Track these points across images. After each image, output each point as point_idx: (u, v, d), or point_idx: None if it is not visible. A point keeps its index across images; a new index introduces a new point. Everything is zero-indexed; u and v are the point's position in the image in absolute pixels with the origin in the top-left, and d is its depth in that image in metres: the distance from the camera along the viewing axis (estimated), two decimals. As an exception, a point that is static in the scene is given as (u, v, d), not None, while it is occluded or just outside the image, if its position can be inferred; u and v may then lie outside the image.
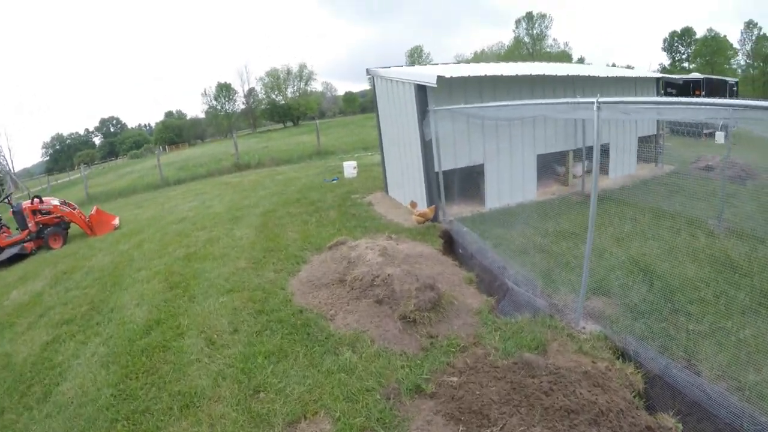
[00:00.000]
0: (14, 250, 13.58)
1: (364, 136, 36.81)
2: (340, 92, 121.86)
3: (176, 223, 13.88)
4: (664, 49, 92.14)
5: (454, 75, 10.21)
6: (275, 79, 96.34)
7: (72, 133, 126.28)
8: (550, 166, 12.98)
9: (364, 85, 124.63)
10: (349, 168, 18.10)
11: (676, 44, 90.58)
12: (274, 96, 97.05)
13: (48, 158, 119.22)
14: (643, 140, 14.11)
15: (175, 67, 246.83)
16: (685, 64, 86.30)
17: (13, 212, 14.19)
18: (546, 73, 11.19)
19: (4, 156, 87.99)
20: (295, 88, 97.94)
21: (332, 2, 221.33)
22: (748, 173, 11.73)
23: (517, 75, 10.87)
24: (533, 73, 11.15)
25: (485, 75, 10.53)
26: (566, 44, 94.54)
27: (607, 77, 12.79)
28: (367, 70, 14.08)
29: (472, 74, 10.59)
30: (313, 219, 12.01)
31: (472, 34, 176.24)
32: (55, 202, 14.88)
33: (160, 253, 10.72)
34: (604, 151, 13.02)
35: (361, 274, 6.90)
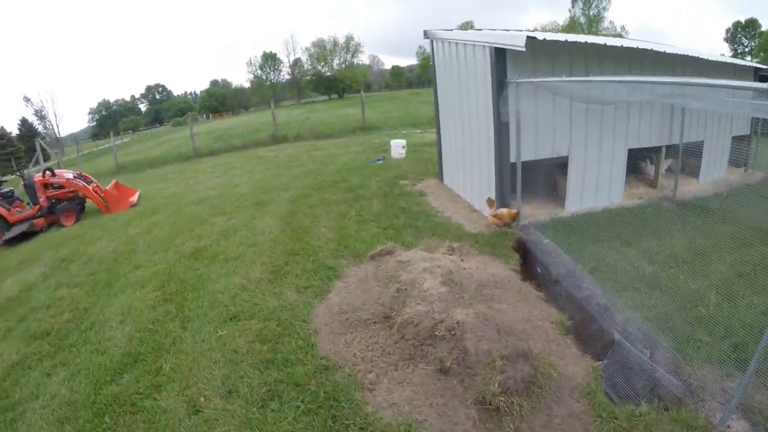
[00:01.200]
0: (23, 228, 12.19)
1: (412, 111, 34.37)
2: (387, 66, 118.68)
3: (196, 203, 12.05)
4: (726, 40, 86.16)
5: (548, 38, 7.96)
6: (321, 50, 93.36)
7: (118, 99, 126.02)
8: (636, 163, 10.53)
9: (411, 60, 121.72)
10: (397, 147, 15.83)
11: (739, 36, 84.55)
12: (319, 67, 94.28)
13: (95, 124, 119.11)
14: (735, 140, 11.66)
15: (224, 36, 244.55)
16: (748, 57, 79.76)
17: (24, 186, 12.92)
18: (654, 49, 8.67)
19: (50, 120, 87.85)
20: (342, 60, 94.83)
21: None
22: None
23: (622, 46, 8.63)
24: (641, 47, 8.76)
25: (586, 42, 8.16)
26: (623, 28, 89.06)
27: (709, 61, 10.24)
28: (425, 32, 11.83)
29: (570, 40, 8.19)
30: (353, 211, 9.90)
31: (525, 12, 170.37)
32: (69, 175, 13.42)
33: (166, 245, 8.89)
34: (697, 150, 10.83)
35: (416, 315, 4.78)
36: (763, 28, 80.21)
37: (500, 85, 8.13)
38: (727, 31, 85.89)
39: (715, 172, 11.42)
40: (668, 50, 8.90)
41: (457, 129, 10.88)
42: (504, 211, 8.26)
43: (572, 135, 8.93)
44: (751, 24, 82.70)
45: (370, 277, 6.17)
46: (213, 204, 11.70)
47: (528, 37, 7.02)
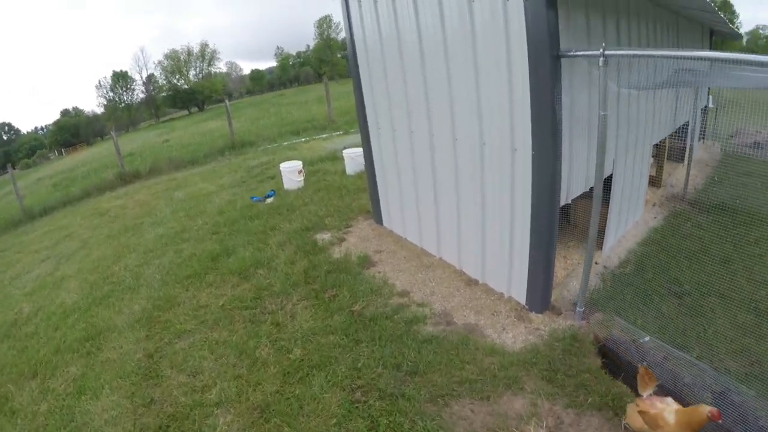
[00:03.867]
0: None
1: (284, 116, 29.18)
2: (246, 71, 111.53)
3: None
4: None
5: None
6: (176, 62, 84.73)
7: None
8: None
9: (270, 63, 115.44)
10: (291, 174, 10.76)
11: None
12: (175, 81, 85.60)
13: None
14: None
15: (66, 60, 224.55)
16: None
17: None
18: None
19: None
20: (198, 70, 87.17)
21: None
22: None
23: None
24: None
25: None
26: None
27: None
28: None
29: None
30: (263, 346, 5.23)
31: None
32: None
33: None
34: (683, 133, 9.00)
35: None
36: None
37: (552, 60, 4.24)
38: None
39: (695, 152, 9.65)
40: None
41: (418, 139, 6.40)
42: (669, 407, 3.46)
43: (618, 143, 6.02)
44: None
45: None
46: (18, 346, 6.33)
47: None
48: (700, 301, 5.36)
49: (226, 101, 21.57)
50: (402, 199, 7.14)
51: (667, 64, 4.33)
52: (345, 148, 13.20)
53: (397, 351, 4.75)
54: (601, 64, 4.00)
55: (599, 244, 6.26)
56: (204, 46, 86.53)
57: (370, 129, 7.42)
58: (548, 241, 4.95)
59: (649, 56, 4.11)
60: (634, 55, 3.99)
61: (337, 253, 7.08)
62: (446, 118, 5.65)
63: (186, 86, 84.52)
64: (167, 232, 9.24)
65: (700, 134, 9.73)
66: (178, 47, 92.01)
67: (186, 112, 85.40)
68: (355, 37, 6.94)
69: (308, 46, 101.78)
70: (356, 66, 7.16)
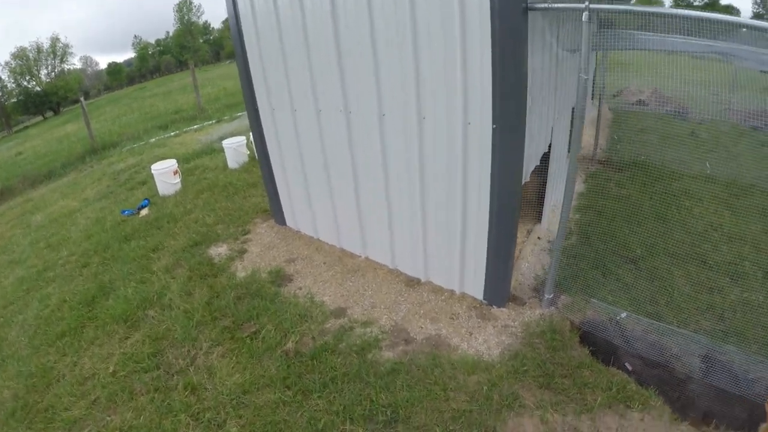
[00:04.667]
0: None
1: (147, 109, 26.55)
2: (103, 66, 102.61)
3: None
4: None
5: None
6: (25, 62, 74.68)
7: None
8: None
9: (128, 54, 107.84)
10: (164, 175, 9.02)
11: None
12: (26, 83, 76.98)
13: None
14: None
15: None
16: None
17: None
18: None
19: None
20: (50, 68, 77.51)
21: None
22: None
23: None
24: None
25: None
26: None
27: None
28: None
29: None
30: (190, 431, 3.77)
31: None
32: None
33: None
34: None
35: None
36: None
37: (522, 14, 3.47)
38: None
39: (588, 112, 9.20)
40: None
41: (330, 118, 5.22)
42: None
43: (556, 108, 5.46)
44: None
45: None
46: None
47: None
48: (653, 263, 5.15)
49: (82, 100, 18.90)
50: (310, 192, 5.93)
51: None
52: (222, 138, 11.55)
53: (362, 395, 3.70)
54: (585, 19, 3.26)
55: (537, 217, 5.80)
56: (55, 40, 77.18)
57: (261, 114, 6.07)
58: (512, 226, 4.16)
59: (639, 12, 3.39)
60: (622, 11, 3.47)
61: (241, 270, 5.72)
62: (369, 90, 4.52)
63: (38, 88, 76.37)
64: (28, 274, 7.34)
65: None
66: (26, 45, 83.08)
67: (41, 117, 77.83)
68: (240, 9, 5.56)
69: (168, 32, 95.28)
70: (241, 43, 5.78)
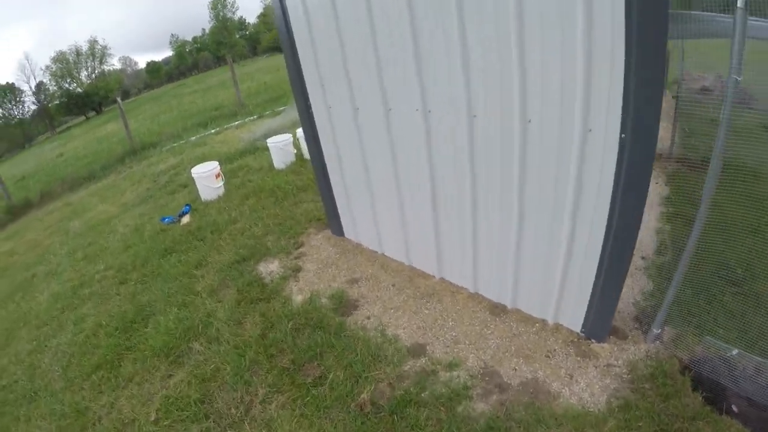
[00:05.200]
0: None
1: (186, 107, 25.99)
2: (142, 65, 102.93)
3: None
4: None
5: None
6: (65, 65, 75.33)
7: None
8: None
9: (166, 53, 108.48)
10: (206, 178, 8.25)
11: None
12: (67, 85, 76.83)
13: None
14: None
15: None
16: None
17: None
18: None
19: None
20: (90, 70, 78.12)
21: None
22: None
23: None
24: None
25: None
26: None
27: None
28: None
29: None
30: None
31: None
32: None
33: None
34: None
35: None
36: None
37: None
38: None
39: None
40: None
41: (401, 118, 4.29)
42: None
43: None
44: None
45: None
46: None
47: None
48: (756, 286, 4.04)
49: (118, 99, 18.37)
50: (374, 202, 5.07)
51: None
52: (266, 136, 10.80)
53: None
54: (740, 5, 2.39)
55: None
56: (93, 43, 78.19)
57: (315, 112, 5.21)
58: (628, 254, 3.25)
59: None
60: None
61: (296, 293, 4.92)
62: (455, 86, 3.59)
63: (80, 90, 77.17)
64: (63, 289, 6.71)
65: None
66: (65, 48, 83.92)
67: (83, 117, 78.71)
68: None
69: (204, 30, 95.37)
70: (288, 33, 4.92)
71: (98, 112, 74.94)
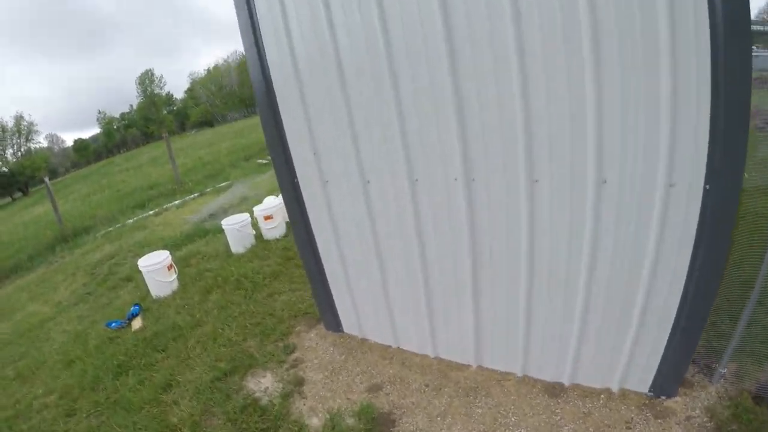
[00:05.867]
0: None
1: (119, 186, 24.27)
2: (69, 143, 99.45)
3: None
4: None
5: None
6: None
7: None
8: None
9: (93, 130, 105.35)
10: (156, 272, 6.98)
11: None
12: None
13: None
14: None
15: None
16: None
17: None
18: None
19: None
20: (16, 148, 74.61)
21: (25, 42, 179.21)
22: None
23: None
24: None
25: None
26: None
27: None
28: None
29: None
30: None
31: (199, 52, 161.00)
32: None
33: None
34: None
35: None
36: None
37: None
38: None
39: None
40: None
41: (432, 188, 3.55)
42: None
43: None
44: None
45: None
46: None
47: None
48: None
49: (46, 180, 16.75)
50: (389, 291, 4.27)
51: None
52: (213, 215, 9.70)
53: None
54: None
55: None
56: (19, 119, 74.64)
57: (303, 188, 4.24)
58: (707, 310, 2.94)
59: None
60: None
61: (309, 415, 3.94)
62: (513, 142, 3.02)
63: (5, 169, 72.98)
64: (-10, 421, 5.31)
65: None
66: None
67: (9, 199, 74.37)
68: (266, 45, 3.89)
69: (131, 106, 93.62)
70: (266, 93, 4.05)
71: (25, 193, 70.77)
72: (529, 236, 3.16)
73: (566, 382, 3.61)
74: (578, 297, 3.20)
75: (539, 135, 2.82)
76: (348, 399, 3.97)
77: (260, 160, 18.40)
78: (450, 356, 4.18)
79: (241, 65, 79.46)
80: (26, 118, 76.98)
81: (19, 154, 75.16)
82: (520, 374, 3.80)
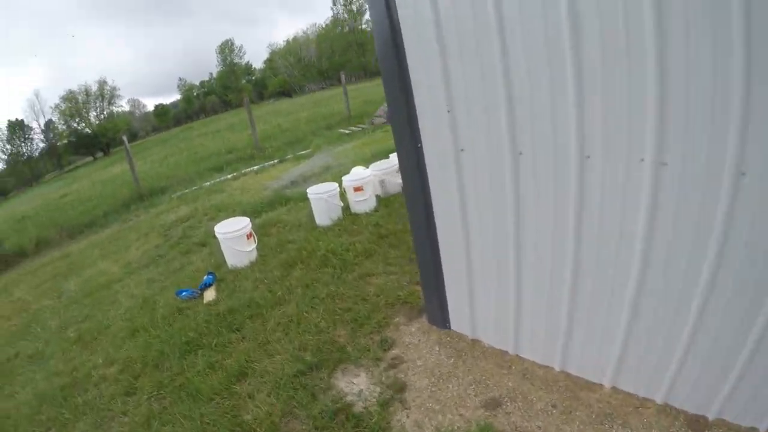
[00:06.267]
0: None
1: (197, 149, 24.15)
2: (150, 108, 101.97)
3: None
4: None
5: None
6: (74, 104, 74.15)
7: None
8: None
9: (174, 96, 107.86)
10: (235, 240, 6.29)
11: None
12: (75, 124, 75.20)
13: None
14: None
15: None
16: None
17: None
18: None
19: None
20: (99, 110, 76.78)
21: (103, 11, 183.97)
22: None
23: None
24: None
25: None
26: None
27: None
28: None
29: None
30: None
31: (277, 23, 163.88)
32: None
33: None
34: None
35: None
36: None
37: None
38: None
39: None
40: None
41: (615, 161, 2.36)
42: None
43: None
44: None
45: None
46: None
47: None
48: None
49: (125, 139, 16.59)
50: (522, 288, 3.31)
51: None
52: (294, 183, 9.00)
53: None
54: None
55: None
56: (102, 84, 77.06)
57: (427, 157, 3.29)
58: None
59: None
60: None
61: (413, 430, 2.96)
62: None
63: (88, 130, 75.67)
64: (50, 389, 4.78)
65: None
66: (75, 88, 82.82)
67: (91, 158, 77.01)
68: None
69: (211, 74, 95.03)
70: (397, 56, 3.20)
71: (106, 153, 73.54)
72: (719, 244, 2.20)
73: (711, 417, 2.67)
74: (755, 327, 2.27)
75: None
76: (461, 415, 3.12)
77: (342, 130, 17.64)
78: (580, 372, 3.26)
79: (320, 37, 79.53)
80: (109, 82, 78.99)
81: (102, 116, 77.74)
82: (660, 401, 2.87)
